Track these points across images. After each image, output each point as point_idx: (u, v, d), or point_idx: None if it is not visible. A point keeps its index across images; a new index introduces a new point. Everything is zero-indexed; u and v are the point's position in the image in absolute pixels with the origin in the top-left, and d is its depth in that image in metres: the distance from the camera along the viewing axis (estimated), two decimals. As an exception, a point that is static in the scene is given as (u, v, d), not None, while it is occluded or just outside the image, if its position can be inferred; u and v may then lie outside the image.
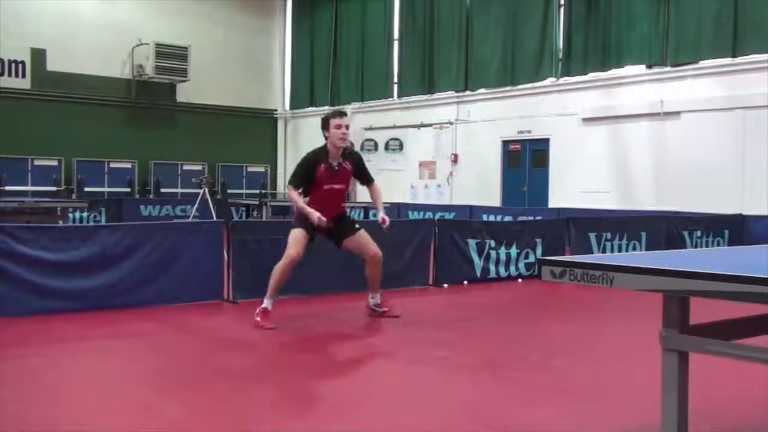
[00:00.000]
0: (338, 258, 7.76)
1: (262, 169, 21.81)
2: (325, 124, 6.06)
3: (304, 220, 5.94)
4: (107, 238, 6.60)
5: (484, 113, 16.98)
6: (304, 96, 21.75)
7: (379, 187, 6.49)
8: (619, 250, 9.85)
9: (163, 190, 19.57)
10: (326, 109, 20.94)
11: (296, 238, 5.94)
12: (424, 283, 8.39)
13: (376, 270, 6.24)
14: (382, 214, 6.15)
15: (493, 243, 8.87)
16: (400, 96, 19.16)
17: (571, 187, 15.13)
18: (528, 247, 9.18)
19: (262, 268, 7.21)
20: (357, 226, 6.25)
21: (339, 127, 5.98)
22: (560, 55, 15.55)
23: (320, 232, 6.09)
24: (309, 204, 6.00)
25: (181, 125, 20.45)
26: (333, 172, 6.05)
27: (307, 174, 6.04)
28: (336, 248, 6.33)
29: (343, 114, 6.18)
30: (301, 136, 22.13)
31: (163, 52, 19.21)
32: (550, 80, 15.78)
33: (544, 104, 15.84)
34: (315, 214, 5.79)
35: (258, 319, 5.85)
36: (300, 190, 6.09)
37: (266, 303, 5.93)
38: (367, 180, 6.38)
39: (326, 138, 6.07)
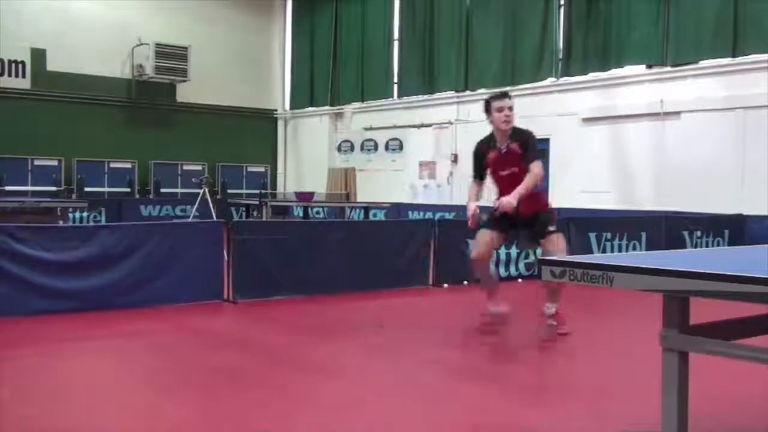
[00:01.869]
0: (338, 258, 7.78)
1: (262, 169, 21.79)
2: (487, 108, 5.76)
3: (490, 217, 5.77)
4: (107, 238, 6.60)
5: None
6: (304, 96, 21.73)
7: (538, 171, 5.59)
8: (619, 250, 9.85)
9: (163, 190, 19.55)
10: (326, 109, 20.97)
11: (480, 238, 5.78)
12: (424, 283, 8.39)
13: None
14: (505, 198, 5.51)
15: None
16: (400, 96, 19.13)
17: (572, 187, 15.11)
18: (528, 247, 9.18)
19: (262, 268, 7.24)
20: (552, 228, 5.70)
21: (501, 109, 5.66)
22: (560, 55, 15.53)
23: (511, 228, 5.79)
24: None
25: (181, 125, 20.43)
26: (502, 155, 5.71)
27: (479, 163, 5.86)
28: (526, 244, 6.19)
29: (504, 95, 5.80)
30: (301, 136, 22.12)
31: (163, 52, 19.19)
32: (550, 80, 15.77)
33: (544, 104, 15.82)
34: (469, 207, 5.66)
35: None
36: (479, 183, 5.94)
37: (490, 308, 6.03)
38: (525, 161, 5.67)
39: (491, 123, 5.80)
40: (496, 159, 5.72)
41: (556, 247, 5.56)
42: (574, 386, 4.49)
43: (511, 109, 5.64)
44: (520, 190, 5.45)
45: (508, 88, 16.39)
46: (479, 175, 5.89)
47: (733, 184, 12.56)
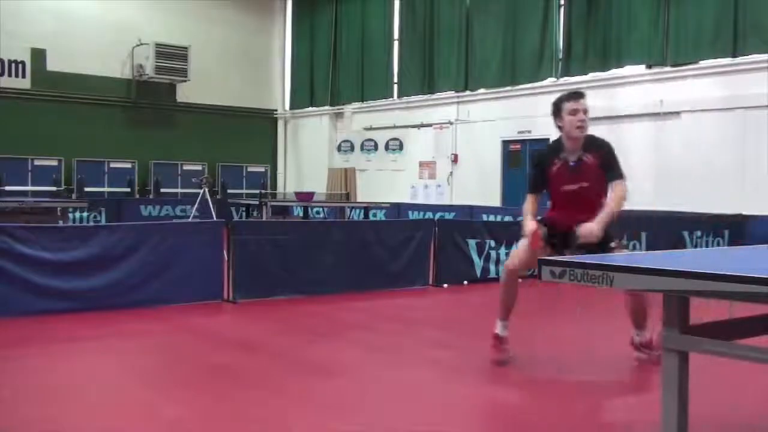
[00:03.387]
0: (338, 258, 7.78)
1: (262, 169, 21.79)
2: (557, 111, 4.86)
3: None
4: (107, 238, 6.60)
5: (484, 113, 16.95)
6: (304, 96, 21.73)
7: (623, 190, 4.73)
8: (619, 250, 9.84)
9: (163, 190, 19.55)
10: (326, 109, 20.96)
11: (519, 248, 5.00)
12: (424, 283, 8.39)
13: (637, 298, 4.78)
14: (587, 227, 4.50)
15: (493, 243, 8.87)
16: (400, 96, 19.13)
17: (571, 187, 15.12)
18: (528, 247, 9.17)
19: (262, 268, 7.25)
20: (612, 245, 4.69)
21: (575, 112, 4.74)
22: (560, 55, 15.53)
23: (564, 246, 4.78)
24: (551, 211, 4.97)
25: (181, 125, 20.43)
26: (570, 169, 4.79)
27: (540, 176, 4.92)
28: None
29: (579, 95, 4.87)
30: (301, 136, 22.13)
31: (163, 52, 19.19)
32: (550, 80, 15.76)
33: (544, 104, 15.75)
34: (527, 226, 4.74)
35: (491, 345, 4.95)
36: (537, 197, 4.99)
37: (497, 328, 4.99)
38: (611, 176, 4.73)
39: (559, 128, 4.89)
40: (561, 172, 4.79)
41: None
42: (573, 386, 4.49)
43: (586, 112, 4.77)
44: (604, 215, 4.53)
45: (508, 88, 16.47)
46: (537, 189, 4.96)
47: (733, 184, 12.56)
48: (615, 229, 4.87)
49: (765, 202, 11.77)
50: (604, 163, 4.74)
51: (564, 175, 4.79)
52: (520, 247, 4.95)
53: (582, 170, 4.75)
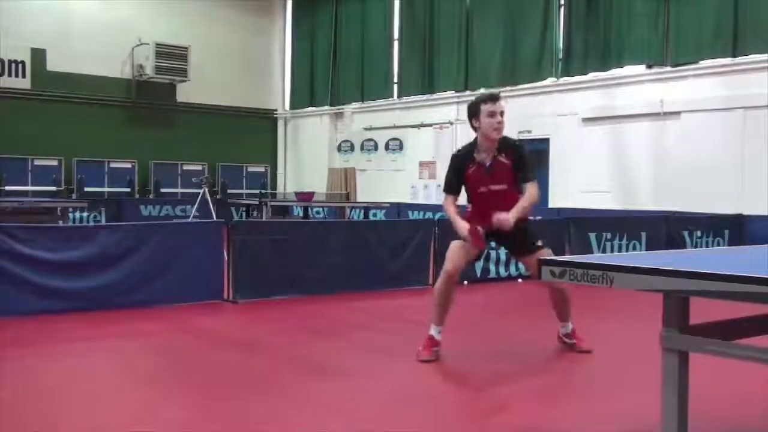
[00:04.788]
0: (338, 258, 7.78)
1: (262, 169, 21.79)
2: (474, 112, 4.90)
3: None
4: (107, 238, 6.61)
5: (484, 113, 16.93)
6: (304, 96, 21.74)
7: (536, 192, 4.98)
8: (619, 250, 9.85)
9: (163, 190, 19.55)
10: (326, 109, 20.96)
11: (453, 250, 4.96)
12: (424, 283, 8.38)
13: (558, 295, 5.11)
14: (502, 214, 4.75)
15: (493, 243, 8.86)
16: (400, 96, 19.13)
17: (571, 187, 15.12)
18: (528, 247, 9.17)
19: (262, 268, 7.25)
20: (539, 243, 5.00)
21: (493, 114, 4.81)
22: (560, 55, 15.53)
23: (491, 240, 5.20)
24: (470, 212, 5.08)
25: (181, 125, 20.43)
26: (486, 170, 4.94)
27: (457, 177, 5.07)
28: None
29: (496, 98, 4.91)
30: (301, 136, 22.13)
31: (163, 52, 19.19)
32: (550, 80, 15.77)
33: (544, 104, 15.83)
34: (462, 228, 4.83)
35: (420, 348, 4.93)
36: (457, 197, 5.17)
37: (432, 330, 5.00)
38: (524, 178, 4.97)
39: (475, 129, 4.95)
40: (477, 174, 4.94)
41: None
42: (573, 386, 4.49)
43: (503, 114, 4.86)
44: (518, 208, 4.78)
45: (508, 88, 16.45)
46: (453, 190, 5.13)
47: (733, 184, 12.56)
48: (535, 229, 5.23)
49: (765, 202, 11.78)
50: (516, 165, 4.94)
51: (479, 177, 4.95)
52: (454, 250, 4.98)
53: (496, 171, 4.92)
